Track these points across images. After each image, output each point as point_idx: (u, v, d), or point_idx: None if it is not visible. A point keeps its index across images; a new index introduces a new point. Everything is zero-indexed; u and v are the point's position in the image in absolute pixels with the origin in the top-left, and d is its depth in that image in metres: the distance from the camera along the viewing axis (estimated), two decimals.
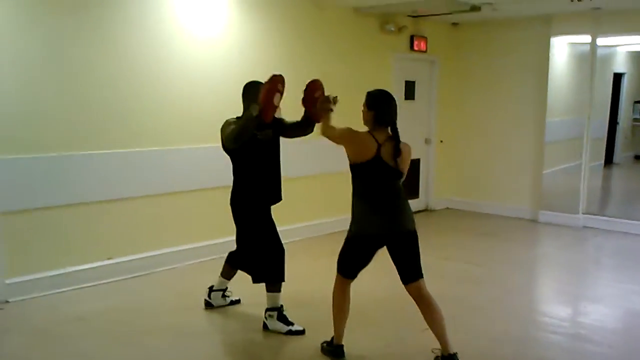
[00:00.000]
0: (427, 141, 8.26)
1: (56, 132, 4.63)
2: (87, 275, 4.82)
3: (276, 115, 3.87)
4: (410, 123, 7.32)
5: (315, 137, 3.93)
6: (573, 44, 7.68)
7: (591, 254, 6.61)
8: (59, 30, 4.58)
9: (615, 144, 9.75)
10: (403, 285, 3.44)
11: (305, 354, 3.67)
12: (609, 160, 9.16)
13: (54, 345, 3.76)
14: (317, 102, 3.68)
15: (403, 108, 7.61)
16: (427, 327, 3.43)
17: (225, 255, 4.37)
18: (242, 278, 4.24)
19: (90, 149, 4.81)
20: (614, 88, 8.84)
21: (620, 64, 9.34)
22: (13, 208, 4.45)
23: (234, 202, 3.96)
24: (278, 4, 6.11)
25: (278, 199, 4.02)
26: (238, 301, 4.48)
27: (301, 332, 3.91)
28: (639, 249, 6.59)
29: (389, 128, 3.43)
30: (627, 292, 5.06)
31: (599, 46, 7.28)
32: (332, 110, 3.56)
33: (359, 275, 3.53)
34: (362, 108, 3.47)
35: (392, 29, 7.23)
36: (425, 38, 7.83)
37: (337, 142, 3.50)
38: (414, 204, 8.24)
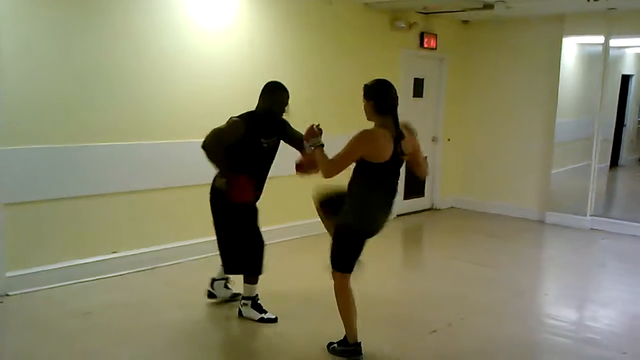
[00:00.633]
0: (434, 139, 8.19)
1: (60, 123, 4.57)
2: (90, 268, 4.77)
3: (284, 117, 3.98)
4: (418, 121, 7.18)
5: None
6: (583, 45, 7.61)
7: (600, 257, 6.55)
8: (65, 20, 4.51)
9: (621, 146, 9.68)
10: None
11: (311, 354, 3.63)
12: (614, 162, 9.08)
13: (54, 339, 3.72)
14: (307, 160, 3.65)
15: (411, 105, 7.68)
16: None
17: None
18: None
19: (95, 141, 4.75)
20: (621, 90, 8.75)
21: (629, 66, 9.26)
22: (15, 200, 4.38)
23: (216, 195, 3.95)
24: None
25: (259, 195, 4.07)
26: (239, 295, 4.44)
27: (273, 320, 4.03)
28: None
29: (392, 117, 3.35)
30: (637, 295, 5.04)
31: (611, 47, 7.19)
32: (322, 144, 3.43)
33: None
34: (363, 102, 3.41)
35: (402, 25, 7.16)
36: (435, 35, 7.76)
37: (349, 163, 3.39)
38: (419, 203, 8.22)
